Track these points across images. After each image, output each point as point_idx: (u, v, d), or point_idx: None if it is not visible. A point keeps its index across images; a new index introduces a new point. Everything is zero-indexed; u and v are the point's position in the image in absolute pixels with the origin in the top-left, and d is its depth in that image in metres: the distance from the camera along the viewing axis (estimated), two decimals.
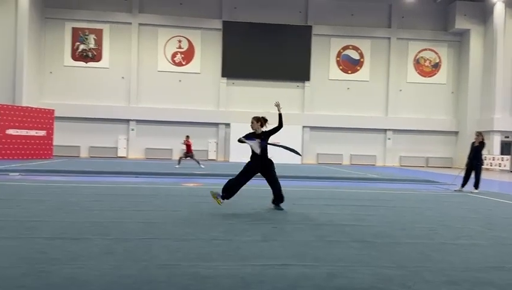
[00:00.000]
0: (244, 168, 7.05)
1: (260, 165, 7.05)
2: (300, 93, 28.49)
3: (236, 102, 28.08)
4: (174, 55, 27.85)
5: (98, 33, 27.02)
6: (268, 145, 7.17)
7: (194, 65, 28.04)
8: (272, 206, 7.26)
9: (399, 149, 28.93)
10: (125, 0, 27.05)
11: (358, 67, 28.96)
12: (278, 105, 7.40)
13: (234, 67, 27.93)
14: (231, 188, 6.87)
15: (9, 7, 23.39)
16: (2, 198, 7.56)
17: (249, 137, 7.14)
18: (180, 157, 18.06)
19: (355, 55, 28.93)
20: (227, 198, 6.91)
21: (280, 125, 7.22)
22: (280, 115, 7.25)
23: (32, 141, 21.25)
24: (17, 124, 20.46)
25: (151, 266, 3.74)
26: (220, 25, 27.80)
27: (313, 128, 28.35)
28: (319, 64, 28.50)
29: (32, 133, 21.21)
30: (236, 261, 4.01)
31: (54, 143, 23.02)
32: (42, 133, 21.74)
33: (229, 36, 27.77)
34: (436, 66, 29.32)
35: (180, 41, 27.86)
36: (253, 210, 7.14)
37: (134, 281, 3.36)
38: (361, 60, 28.92)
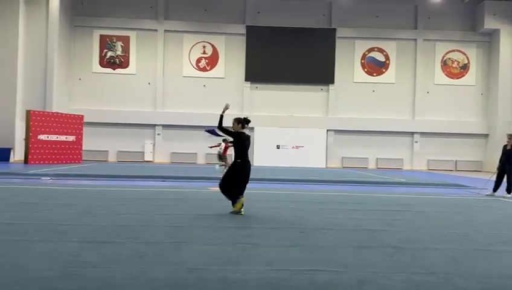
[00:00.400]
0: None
1: (245, 167, 7.10)
2: (325, 97, 28.30)
3: (260, 106, 28.16)
4: (198, 60, 28.18)
5: (125, 40, 27.64)
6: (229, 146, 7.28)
7: (218, 70, 28.30)
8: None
9: (427, 152, 28.29)
10: (151, 8, 27.59)
11: (384, 70, 28.55)
12: (225, 107, 7.50)
13: (258, 71, 28.04)
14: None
15: (40, 17, 24.19)
16: (35, 202, 7.81)
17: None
18: (223, 162, 18.06)
19: (380, 57, 28.54)
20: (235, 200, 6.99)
21: (218, 125, 7.41)
22: (221, 116, 7.37)
23: (63, 146, 21.87)
24: (48, 130, 21.10)
25: (181, 270, 3.79)
26: (243, 30, 27.97)
27: (337, 131, 28.08)
28: (343, 67, 28.26)
29: (63, 138, 21.84)
30: (263, 265, 4.01)
31: (83, 148, 23.63)
32: (72, 138, 22.36)
33: (252, 41, 27.92)
34: (465, 68, 28.57)
35: (204, 46, 28.18)
36: (277, 214, 7.13)
37: (165, 284, 3.40)
38: (387, 62, 28.51)
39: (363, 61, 28.52)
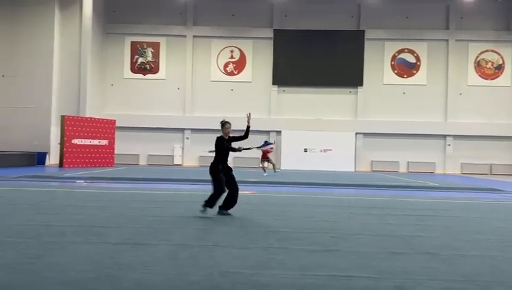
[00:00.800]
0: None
1: (226, 170, 7.08)
2: (353, 99, 27.96)
3: (287, 109, 28.11)
4: (226, 65, 28.43)
5: (155, 46, 28.22)
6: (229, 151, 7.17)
7: (245, 74, 28.45)
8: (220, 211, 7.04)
9: (460, 156, 27.46)
10: (180, 14, 28.07)
11: (415, 71, 27.96)
12: (248, 116, 7.31)
13: (285, 74, 28.02)
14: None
15: (74, 25, 25.03)
16: (72, 204, 8.06)
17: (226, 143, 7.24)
18: (263, 166, 18.75)
19: (411, 58, 27.97)
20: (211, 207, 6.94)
21: (245, 137, 7.31)
22: (248, 127, 7.31)
23: (96, 150, 22.50)
24: (81, 134, 21.76)
25: (215, 273, 3.81)
26: (271, 34, 28.04)
27: (366, 134, 27.67)
28: (372, 69, 27.86)
29: (96, 142, 22.47)
30: (296, 270, 3.98)
31: (115, 152, 24.23)
32: (104, 142, 22.98)
33: (279, 44, 27.94)
34: (499, 68, 27.61)
35: (232, 51, 28.41)
36: (308, 218, 7.07)
37: (200, 287, 3.44)
38: (418, 63, 27.91)
39: (393, 62, 28.04)
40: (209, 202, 6.82)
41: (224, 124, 7.12)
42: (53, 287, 3.32)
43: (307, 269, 4.01)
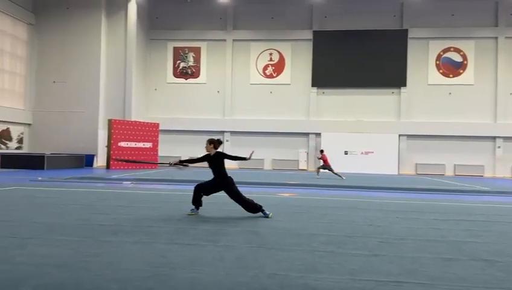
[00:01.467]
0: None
1: (217, 184, 7.24)
2: (396, 100, 27.27)
3: (327, 111, 27.84)
4: (265, 67, 28.56)
5: (196, 51, 28.82)
6: (222, 166, 7.26)
7: (284, 76, 28.46)
8: (262, 214, 7.27)
9: (511, 158, 26.12)
10: (220, 19, 28.52)
11: (461, 70, 26.92)
12: (251, 155, 7.44)
13: (324, 76, 27.78)
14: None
15: (120, 33, 26.03)
16: (121, 205, 8.37)
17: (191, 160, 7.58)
18: (318, 168, 19.31)
19: (457, 57, 26.96)
20: (197, 208, 7.41)
21: (234, 159, 7.54)
22: (243, 158, 7.47)
23: (140, 152, 23.25)
24: (127, 137, 22.57)
25: (262, 275, 3.85)
26: (310, 35, 27.91)
27: (410, 136, 26.89)
28: (416, 69, 27.09)
29: (140, 145, 23.23)
30: (344, 275, 3.95)
31: (159, 154, 24.92)
32: (149, 145, 23.70)
33: (319, 46, 27.75)
34: None
35: (271, 54, 28.51)
36: (352, 222, 6.97)
37: (248, 288, 3.48)
38: (465, 62, 26.85)
39: (438, 62, 27.13)
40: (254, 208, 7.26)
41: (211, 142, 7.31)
42: (109, 285, 3.47)
43: (354, 274, 3.97)
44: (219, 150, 7.35)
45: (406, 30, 27.04)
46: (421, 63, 27.14)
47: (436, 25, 26.97)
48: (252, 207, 7.20)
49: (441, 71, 27.12)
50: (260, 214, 7.25)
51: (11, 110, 24.26)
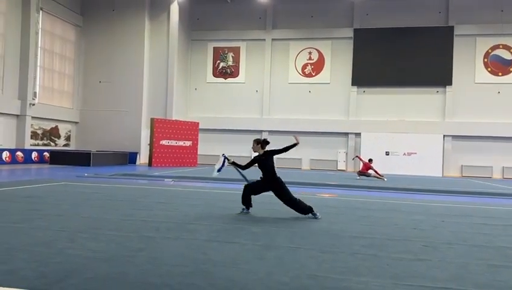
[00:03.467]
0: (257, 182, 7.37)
1: (266, 184, 7.20)
2: (441, 99, 26.32)
3: (367, 111, 27.29)
4: (304, 66, 28.39)
5: (236, 51, 29.09)
6: (269, 164, 7.17)
7: (323, 75, 28.17)
8: (310, 215, 7.16)
9: None
10: (260, 18, 28.63)
11: (511, 69, 25.59)
12: (296, 138, 7.48)
13: (365, 75, 27.25)
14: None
15: (162, 34, 26.72)
16: (163, 202, 8.60)
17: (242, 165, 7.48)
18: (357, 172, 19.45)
19: (507, 55, 25.67)
20: (247, 208, 7.42)
21: (285, 151, 7.21)
22: (292, 146, 7.29)
23: (181, 151, 23.77)
24: (168, 136, 23.13)
25: (303, 276, 3.83)
26: (351, 34, 27.46)
27: (455, 137, 25.88)
28: (462, 67, 26.03)
29: (181, 143, 23.75)
30: (387, 278, 3.86)
31: (199, 152, 25.38)
32: (189, 143, 24.19)
33: (360, 44, 27.24)
34: None
35: (310, 52, 28.30)
36: (395, 225, 6.80)
37: (289, 288, 3.48)
38: None
39: (486, 60, 25.95)
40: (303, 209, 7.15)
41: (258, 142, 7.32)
42: (152, 279, 3.57)
43: (398, 278, 3.87)
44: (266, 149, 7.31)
45: (452, 27, 26.03)
46: (468, 61, 26.05)
47: (484, 21, 25.78)
48: (301, 208, 7.08)
49: (489, 69, 25.91)
50: (298, 214, 7.21)
51: (60, 109, 25.48)
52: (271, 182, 7.13)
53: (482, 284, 3.78)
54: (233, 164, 7.49)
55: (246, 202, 7.40)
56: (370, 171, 18.26)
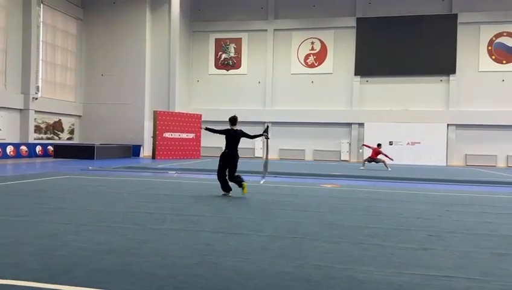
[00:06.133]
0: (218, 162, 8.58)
1: (230, 157, 8.44)
2: (444, 88, 26.16)
3: (371, 101, 27.17)
4: (306, 57, 28.23)
5: (238, 42, 28.94)
6: (239, 141, 8.58)
7: (326, 66, 28.01)
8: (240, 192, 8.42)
9: None
10: (261, 9, 28.43)
11: None
12: (266, 129, 9.61)
13: (368, 64, 27.08)
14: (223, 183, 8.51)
15: (163, 26, 26.58)
16: (168, 194, 8.63)
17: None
18: (364, 160, 19.23)
19: (511, 42, 25.41)
20: (228, 191, 8.51)
21: (252, 138, 8.92)
22: (259, 135, 9.14)
23: (184, 143, 23.79)
24: (171, 128, 23.14)
25: (306, 266, 3.85)
26: (353, 23, 27.24)
27: (459, 126, 25.76)
28: (466, 56, 25.82)
29: (184, 135, 23.76)
30: (390, 268, 3.87)
31: (201, 145, 25.40)
32: (192, 135, 24.19)
33: (362, 33, 27.04)
34: None
35: (313, 42, 28.12)
36: (399, 215, 6.80)
37: (293, 278, 3.49)
38: None
39: (490, 47, 25.72)
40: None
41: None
42: (157, 271, 3.59)
43: (402, 267, 3.88)
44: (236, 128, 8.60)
45: (456, 15, 25.77)
46: (472, 49, 25.83)
47: (488, 8, 25.50)
48: (239, 181, 8.41)
49: (493, 57, 25.69)
50: (302, 205, 7.23)
51: (62, 103, 25.52)
52: (234, 156, 8.42)
53: (486, 272, 3.79)
54: (207, 129, 9.05)
55: (225, 187, 8.48)
56: (380, 156, 18.18)
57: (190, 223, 5.68)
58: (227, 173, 8.46)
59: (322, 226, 5.69)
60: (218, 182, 8.65)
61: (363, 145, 20.32)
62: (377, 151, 18.22)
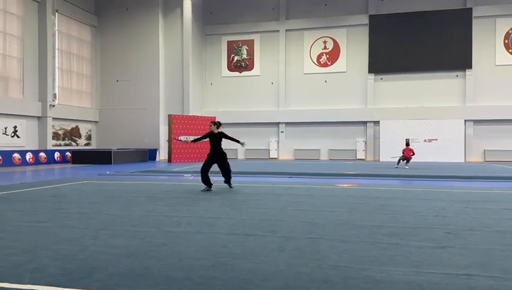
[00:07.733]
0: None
1: (214, 157, 9.56)
2: (461, 83, 25.74)
3: (386, 98, 26.91)
4: (319, 56, 28.12)
5: (250, 44, 29.00)
6: (221, 141, 9.59)
7: (339, 64, 27.85)
8: (227, 186, 10.01)
9: None
10: (273, 10, 28.44)
11: None
12: (243, 143, 10.16)
13: (382, 62, 26.83)
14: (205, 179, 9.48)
15: (176, 30, 26.81)
16: (184, 197, 8.70)
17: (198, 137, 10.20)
18: (400, 159, 18.82)
19: None
20: (209, 186, 9.54)
21: (231, 140, 9.84)
22: (237, 141, 10.01)
23: (199, 146, 23.85)
24: (186, 132, 23.31)
25: (324, 266, 3.83)
26: (366, 20, 27.04)
27: (477, 121, 25.31)
28: (482, 50, 25.37)
29: None
30: (409, 267, 3.82)
31: None
32: (207, 138, 24.27)
33: (375, 30, 26.81)
34: None
35: (325, 42, 28.00)
36: (417, 213, 6.72)
37: (310, 279, 3.48)
38: None
39: (506, 41, 25.23)
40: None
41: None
42: (175, 273, 3.62)
43: (420, 266, 3.83)
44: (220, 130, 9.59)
45: (470, 9, 25.34)
46: (488, 43, 25.36)
47: (503, 1, 25.02)
48: (230, 177, 9.91)
49: (510, 51, 25.19)
50: (318, 205, 7.20)
51: (79, 109, 25.95)
52: (219, 155, 9.52)
53: (507, 270, 3.71)
54: (194, 141, 10.31)
55: (206, 182, 9.44)
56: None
57: (206, 225, 5.71)
58: (222, 174, 9.95)
59: (338, 226, 5.65)
60: (238, 185, 8.76)
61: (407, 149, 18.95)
62: (410, 149, 18.20)
